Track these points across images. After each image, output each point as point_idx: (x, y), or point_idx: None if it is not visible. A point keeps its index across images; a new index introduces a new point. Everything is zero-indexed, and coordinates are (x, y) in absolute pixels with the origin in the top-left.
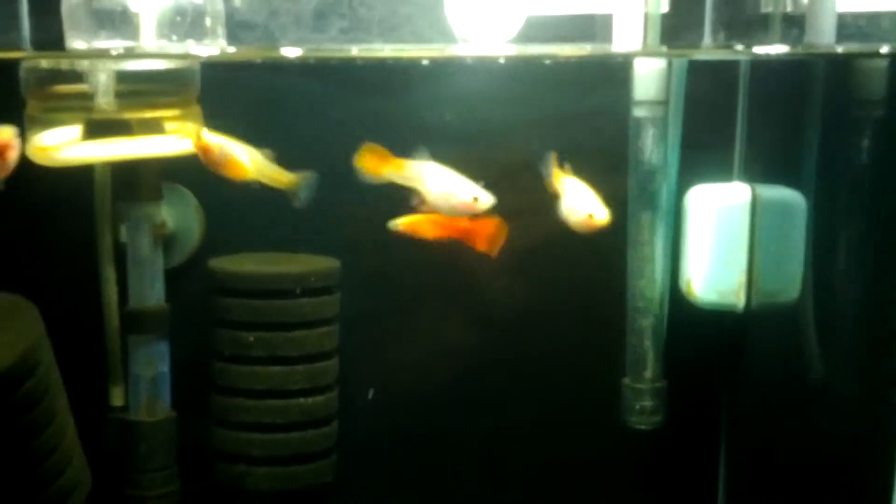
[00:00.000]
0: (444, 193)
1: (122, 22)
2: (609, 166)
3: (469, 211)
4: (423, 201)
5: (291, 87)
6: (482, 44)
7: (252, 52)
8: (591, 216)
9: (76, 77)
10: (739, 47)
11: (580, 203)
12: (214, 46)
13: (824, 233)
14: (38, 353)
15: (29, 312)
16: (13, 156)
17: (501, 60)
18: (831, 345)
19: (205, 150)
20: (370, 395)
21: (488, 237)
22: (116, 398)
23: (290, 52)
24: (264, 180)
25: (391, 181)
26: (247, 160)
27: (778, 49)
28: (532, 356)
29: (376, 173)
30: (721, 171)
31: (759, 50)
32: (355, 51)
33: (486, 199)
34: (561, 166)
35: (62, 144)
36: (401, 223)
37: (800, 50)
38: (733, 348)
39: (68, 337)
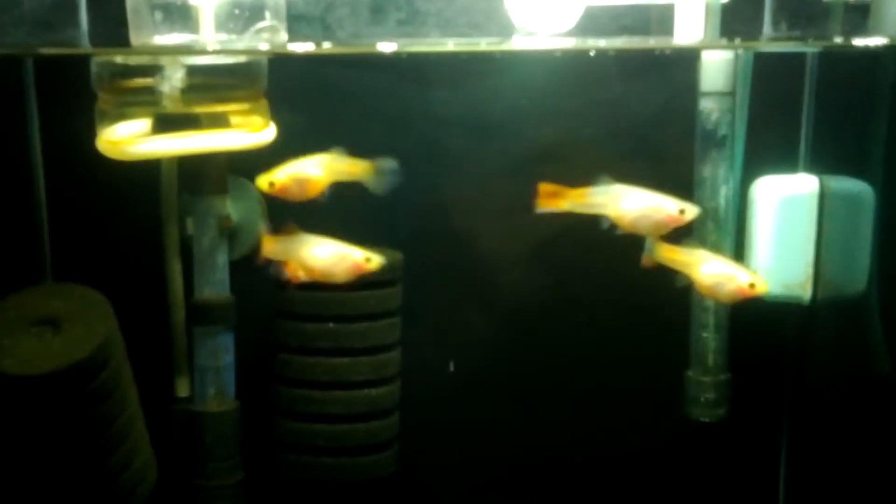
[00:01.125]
0: (645, 211)
1: (182, 16)
2: (676, 156)
3: (675, 224)
4: (615, 225)
5: (352, 80)
6: (545, 36)
7: (341, 49)
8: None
9: (146, 72)
10: (806, 39)
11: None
12: (275, 40)
13: (892, 224)
14: (112, 346)
15: (102, 306)
16: None
17: (559, 54)
18: None
19: (284, 190)
20: (451, 367)
21: None
22: (182, 389)
23: (386, 47)
24: (344, 178)
25: (575, 212)
26: (318, 171)
27: (846, 41)
28: (596, 348)
29: (560, 209)
30: (787, 163)
31: (824, 42)
32: (451, 45)
33: (692, 210)
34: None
35: (132, 138)
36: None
37: (872, 44)
38: (798, 341)
39: (135, 328)
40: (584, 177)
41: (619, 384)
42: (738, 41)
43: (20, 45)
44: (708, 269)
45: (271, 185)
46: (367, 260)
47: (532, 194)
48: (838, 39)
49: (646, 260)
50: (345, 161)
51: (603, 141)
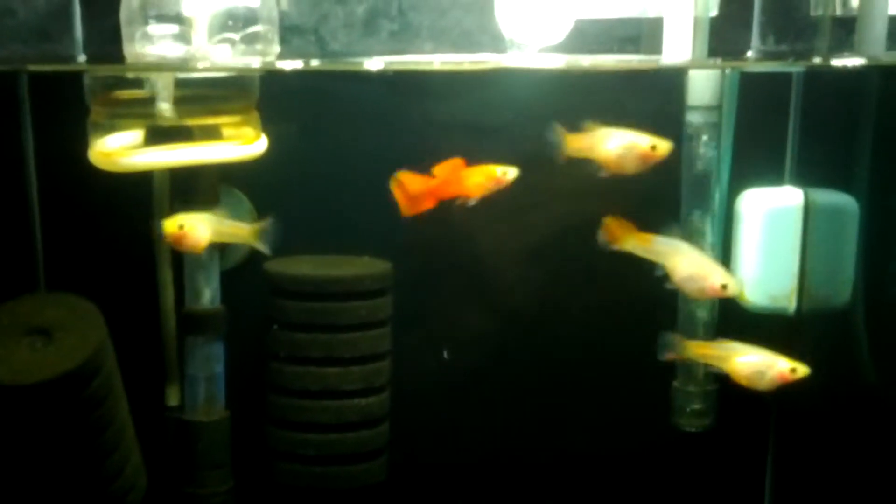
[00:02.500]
0: (693, 275)
1: (176, 27)
2: (662, 170)
3: (716, 295)
4: (667, 277)
5: (345, 92)
6: (533, 49)
7: (329, 66)
8: (724, 287)
9: (139, 84)
10: (792, 56)
11: (707, 274)
12: (268, 51)
13: (876, 237)
14: (103, 355)
15: (94, 315)
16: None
17: (550, 69)
18: (882, 349)
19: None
20: (445, 355)
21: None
22: (173, 398)
23: (373, 65)
24: (226, 240)
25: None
26: (203, 229)
27: (829, 61)
28: (582, 358)
29: (620, 245)
30: (773, 176)
31: (807, 63)
32: (437, 63)
33: (734, 286)
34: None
35: (125, 150)
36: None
37: (859, 63)
38: (784, 352)
39: (127, 337)
40: (572, 181)
41: (607, 393)
42: (720, 61)
43: (14, 58)
44: (684, 264)
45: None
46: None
47: (521, 198)
48: (818, 59)
49: (604, 238)
50: (226, 224)
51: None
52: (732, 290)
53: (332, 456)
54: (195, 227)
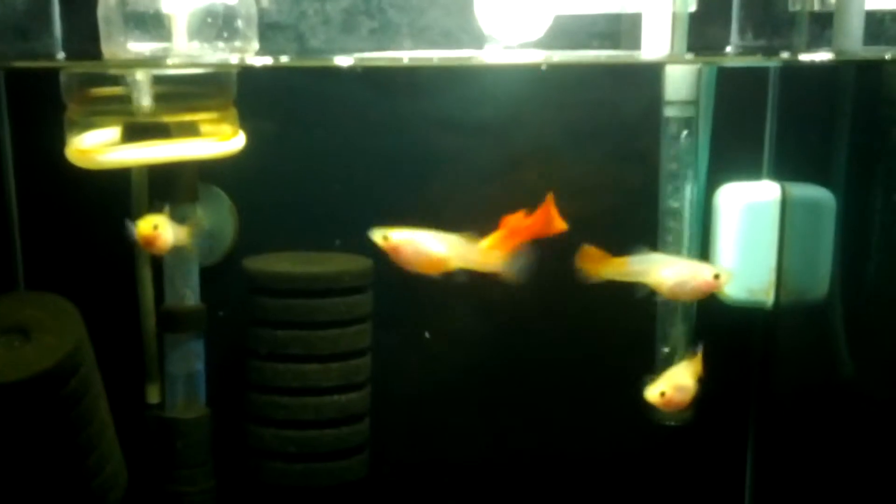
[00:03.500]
0: (682, 279)
1: (155, 25)
2: (639, 165)
3: (711, 290)
4: (654, 292)
5: (324, 88)
6: (512, 45)
7: (307, 62)
8: (717, 276)
9: (115, 80)
10: (770, 51)
11: (694, 270)
12: (247, 49)
13: (853, 231)
14: (81, 354)
15: (71, 314)
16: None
17: (529, 65)
18: (859, 343)
19: (394, 250)
20: (427, 335)
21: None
22: (153, 396)
23: (344, 61)
24: (472, 266)
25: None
26: (444, 249)
27: (804, 55)
28: (562, 354)
29: (599, 275)
30: (750, 170)
31: (784, 57)
32: (406, 59)
33: (726, 274)
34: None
35: (102, 147)
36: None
37: (827, 58)
38: (762, 346)
39: (106, 335)
40: (555, 179)
41: (587, 388)
42: (696, 56)
43: None
44: (668, 272)
45: (385, 238)
46: (717, 276)
47: (505, 199)
48: (794, 55)
49: (581, 272)
50: (474, 249)
51: (569, 144)
52: (726, 278)
53: (313, 453)
54: (167, 228)
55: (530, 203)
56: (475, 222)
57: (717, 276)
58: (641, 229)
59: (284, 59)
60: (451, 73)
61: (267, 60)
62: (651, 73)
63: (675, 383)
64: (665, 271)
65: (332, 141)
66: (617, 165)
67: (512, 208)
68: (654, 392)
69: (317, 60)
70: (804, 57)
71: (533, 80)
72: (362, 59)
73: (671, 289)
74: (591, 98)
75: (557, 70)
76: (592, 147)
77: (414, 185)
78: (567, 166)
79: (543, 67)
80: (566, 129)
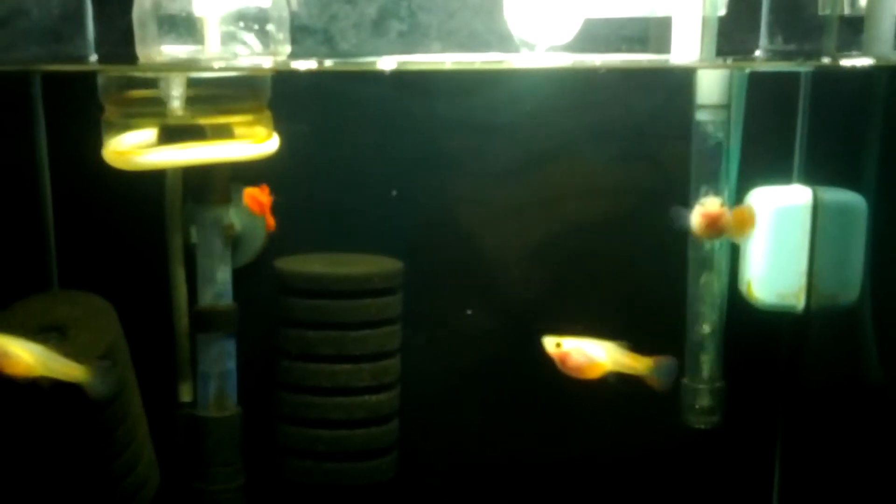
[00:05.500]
0: (699, 214)
1: (188, 27)
2: (671, 168)
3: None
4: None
5: (356, 91)
6: (541, 48)
7: (351, 66)
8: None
9: (152, 83)
10: (801, 54)
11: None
12: (279, 52)
13: (884, 235)
14: (116, 353)
15: (107, 312)
16: None
17: (561, 69)
18: (890, 347)
19: (562, 358)
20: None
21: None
22: (185, 394)
23: (387, 64)
24: (624, 370)
25: None
26: (603, 356)
27: (837, 60)
28: None
29: None
30: (781, 174)
31: (815, 63)
32: (449, 63)
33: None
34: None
35: (138, 149)
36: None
37: (866, 63)
38: (792, 350)
39: (139, 335)
40: (585, 182)
41: (615, 390)
42: (731, 61)
43: (29, 59)
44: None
45: (557, 345)
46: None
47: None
48: (826, 60)
49: None
50: (623, 355)
51: (600, 147)
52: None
53: (342, 452)
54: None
55: (557, 204)
56: (506, 223)
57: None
58: (674, 232)
59: (329, 63)
60: (483, 77)
61: (311, 64)
62: (682, 77)
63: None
64: (697, 209)
65: (363, 143)
66: (648, 169)
67: (539, 210)
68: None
69: (360, 65)
70: (842, 62)
71: (562, 82)
72: (405, 63)
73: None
74: (622, 102)
75: (588, 73)
76: (623, 150)
77: (445, 186)
78: (597, 169)
79: (602, 71)
80: (597, 133)
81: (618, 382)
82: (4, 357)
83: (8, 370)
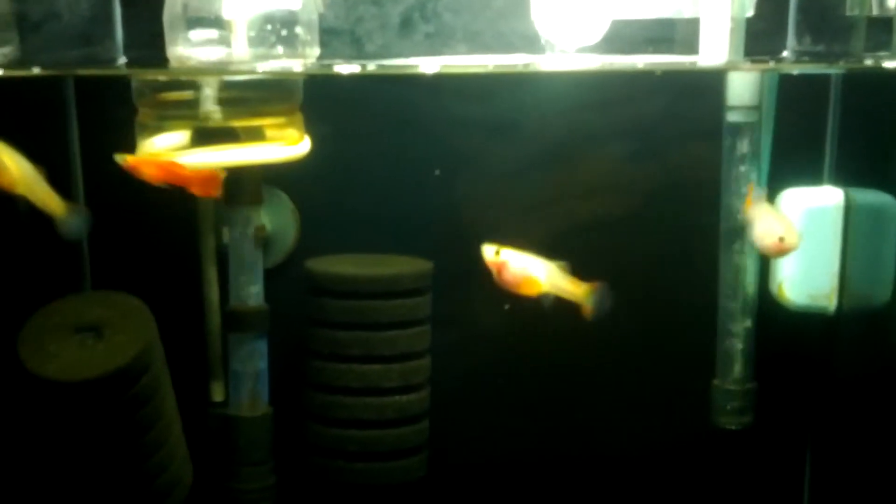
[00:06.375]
0: (760, 233)
1: (217, 30)
2: (701, 170)
3: (777, 251)
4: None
5: (384, 92)
6: (569, 49)
7: (393, 69)
8: (781, 239)
9: (186, 85)
10: (830, 55)
11: (770, 227)
12: (308, 54)
13: None
14: (152, 353)
15: (143, 313)
16: None
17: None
18: None
19: (499, 268)
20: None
21: (203, 183)
22: (217, 394)
23: (428, 68)
24: (30, 197)
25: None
26: (541, 274)
27: (863, 61)
28: (623, 356)
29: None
30: (812, 175)
31: (849, 65)
32: (491, 66)
33: (793, 241)
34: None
35: (173, 151)
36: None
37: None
38: (824, 351)
39: (172, 334)
40: (616, 183)
41: (645, 391)
42: (761, 62)
43: (60, 62)
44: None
45: (496, 254)
46: (781, 239)
47: (560, 196)
48: (856, 60)
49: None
50: (563, 277)
51: (633, 150)
52: (790, 242)
53: (373, 452)
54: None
55: (586, 202)
56: (536, 223)
57: (781, 239)
58: (703, 233)
59: (371, 66)
60: (511, 78)
61: (354, 68)
62: (713, 79)
63: (520, 257)
64: (758, 222)
65: (395, 144)
66: (678, 170)
67: (569, 208)
68: (491, 249)
69: (403, 68)
70: (869, 63)
71: (591, 84)
72: (447, 67)
73: (754, 239)
74: (652, 103)
75: (618, 75)
76: (654, 152)
77: (473, 188)
78: (629, 171)
79: (658, 73)
80: (627, 134)
81: (551, 305)
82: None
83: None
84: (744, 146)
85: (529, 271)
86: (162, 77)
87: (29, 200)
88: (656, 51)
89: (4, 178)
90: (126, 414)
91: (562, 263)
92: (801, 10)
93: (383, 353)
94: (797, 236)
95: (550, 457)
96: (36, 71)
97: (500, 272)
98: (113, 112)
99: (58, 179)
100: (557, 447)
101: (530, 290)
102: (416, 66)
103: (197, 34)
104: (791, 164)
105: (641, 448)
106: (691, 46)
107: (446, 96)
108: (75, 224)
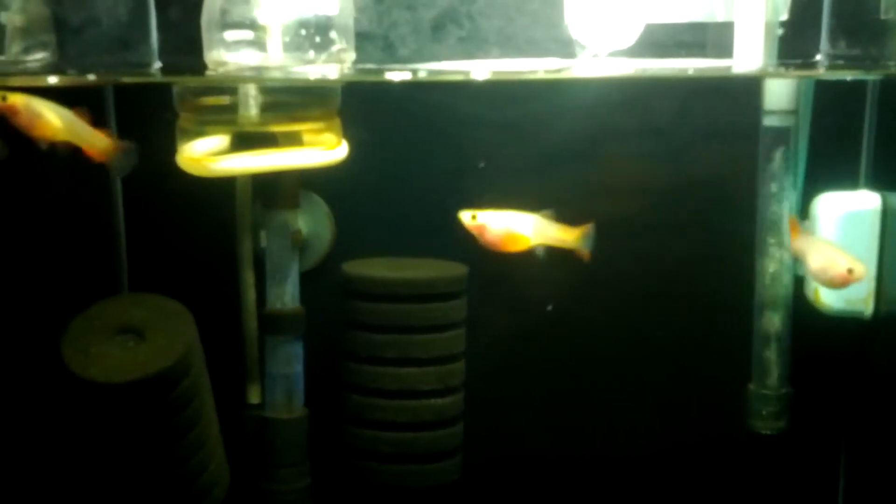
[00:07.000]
0: (822, 266)
1: (254, 35)
2: (737, 174)
3: (845, 283)
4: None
5: (421, 96)
6: (602, 53)
7: (444, 76)
8: (850, 271)
9: (227, 90)
10: (865, 60)
11: (833, 260)
12: (343, 59)
13: None
14: (193, 356)
15: (184, 315)
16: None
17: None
18: None
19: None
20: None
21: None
22: (253, 396)
23: (480, 74)
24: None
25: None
26: (526, 228)
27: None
28: (658, 361)
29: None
30: (849, 179)
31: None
32: (542, 72)
33: (861, 271)
34: (798, 228)
35: (213, 156)
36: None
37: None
38: (859, 355)
39: (209, 337)
40: (652, 187)
41: (680, 395)
42: (794, 66)
43: (99, 66)
44: (814, 256)
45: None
46: (850, 271)
47: (595, 199)
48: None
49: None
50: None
51: (669, 155)
52: (859, 273)
53: (408, 454)
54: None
55: (619, 205)
56: (568, 222)
57: (850, 271)
58: (740, 238)
59: (422, 73)
60: (546, 81)
61: (405, 75)
62: (749, 83)
63: (499, 216)
64: (814, 255)
65: (427, 148)
66: (715, 173)
67: (603, 211)
68: (468, 215)
69: (453, 73)
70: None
71: (626, 87)
72: (499, 73)
73: (814, 273)
74: (688, 107)
75: (652, 78)
76: (690, 156)
77: (509, 191)
78: (665, 175)
79: (694, 78)
80: (663, 138)
81: (546, 256)
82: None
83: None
84: (780, 150)
85: (513, 228)
86: (203, 83)
87: (76, 146)
88: (688, 54)
89: (48, 129)
90: (167, 415)
91: (546, 212)
92: (835, 13)
93: (419, 356)
94: (863, 265)
95: (585, 459)
96: (72, 77)
97: (482, 235)
98: (151, 115)
99: (96, 182)
100: (591, 449)
101: (519, 246)
102: (468, 73)
103: (233, 36)
104: (827, 167)
105: (676, 451)
106: (724, 49)
107: (482, 99)
108: (124, 159)
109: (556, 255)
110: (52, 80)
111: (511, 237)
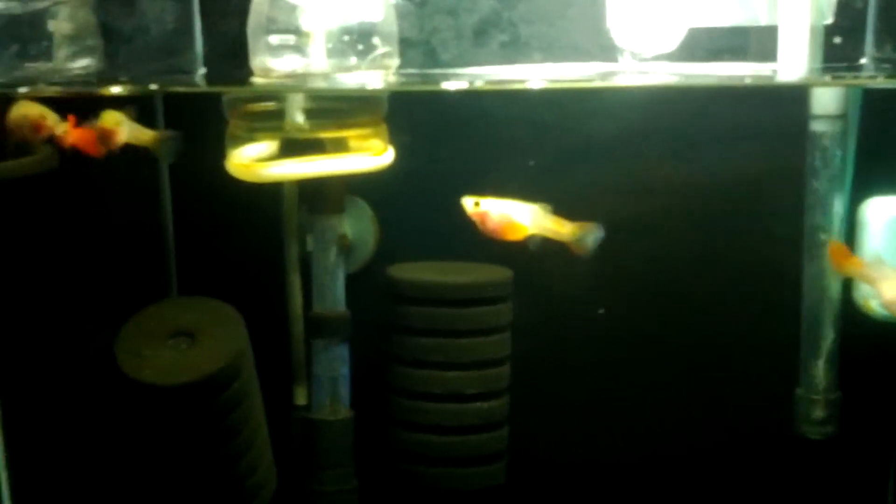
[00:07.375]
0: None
1: (297, 41)
2: (785, 178)
3: None
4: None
5: (465, 102)
6: (645, 58)
7: (502, 85)
8: None
9: (275, 97)
10: None
11: None
12: (388, 65)
13: None
14: (243, 359)
15: (235, 319)
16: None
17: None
18: None
19: (481, 218)
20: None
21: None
22: (300, 398)
23: (535, 84)
24: (547, 234)
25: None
26: (525, 217)
27: None
28: (706, 365)
29: (840, 271)
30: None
31: None
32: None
33: None
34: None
35: (262, 161)
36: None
37: None
38: None
39: (257, 339)
40: (699, 192)
41: (728, 399)
42: (840, 72)
43: (148, 73)
44: (888, 288)
45: (476, 204)
46: None
47: (640, 202)
48: None
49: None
50: (549, 219)
51: (718, 160)
52: None
53: (454, 457)
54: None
55: (667, 208)
56: (618, 232)
57: None
58: (787, 241)
59: (479, 82)
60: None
61: (462, 84)
62: (796, 87)
63: (501, 204)
64: (887, 285)
65: (476, 152)
66: (762, 179)
67: (649, 214)
68: (471, 201)
69: (508, 82)
70: None
71: (671, 89)
72: (555, 81)
73: (887, 304)
74: (735, 112)
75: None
76: (738, 161)
77: (551, 196)
78: (712, 180)
79: (741, 86)
80: (710, 143)
81: (540, 247)
82: (505, 226)
83: (507, 236)
84: (828, 155)
85: (512, 217)
86: (250, 94)
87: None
88: (732, 58)
89: (518, 232)
90: (218, 417)
91: (546, 205)
92: (881, 16)
93: (465, 359)
94: None
95: (630, 462)
96: (121, 85)
97: (483, 222)
98: (200, 121)
99: (145, 188)
100: (637, 453)
101: (516, 235)
102: (525, 81)
103: (278, 42)
104: (876, 172)
105: (723, 455)
106: (767, 54)
107: (525, 103)
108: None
109: (602, 259)
110: (114, 89)
111: (510, 225)
